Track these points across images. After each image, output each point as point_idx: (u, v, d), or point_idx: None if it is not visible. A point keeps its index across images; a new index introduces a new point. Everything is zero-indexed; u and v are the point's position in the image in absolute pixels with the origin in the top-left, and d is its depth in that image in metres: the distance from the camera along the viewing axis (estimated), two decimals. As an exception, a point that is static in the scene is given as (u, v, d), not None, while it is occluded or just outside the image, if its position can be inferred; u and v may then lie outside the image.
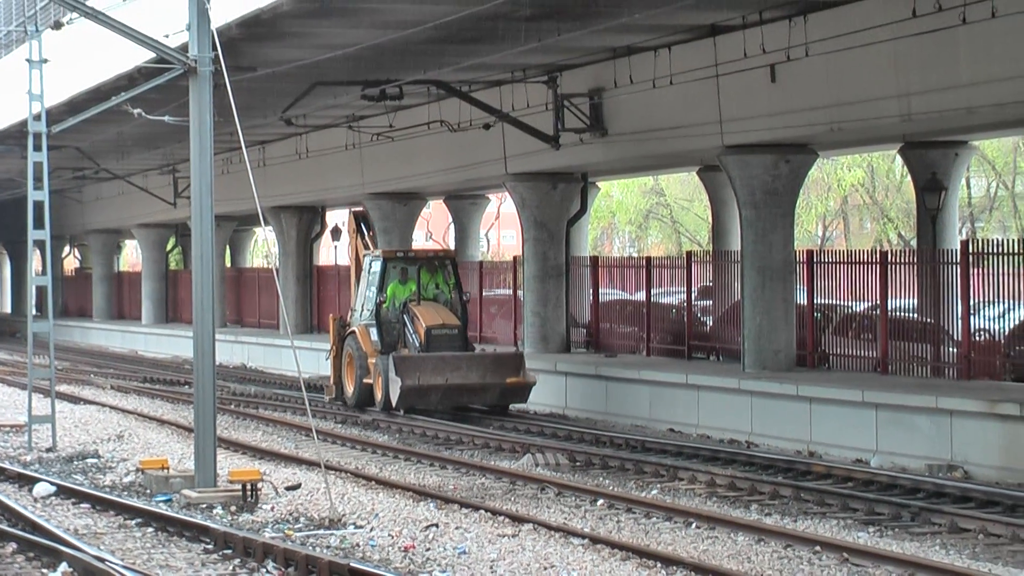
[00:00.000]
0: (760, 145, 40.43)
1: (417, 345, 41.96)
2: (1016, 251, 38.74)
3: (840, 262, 47.57)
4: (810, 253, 46.60)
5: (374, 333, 43.38)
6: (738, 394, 38.72)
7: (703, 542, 23.99)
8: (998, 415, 31.40)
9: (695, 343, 46.94)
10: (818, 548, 23.13)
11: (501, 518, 26.02)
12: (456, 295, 44.45)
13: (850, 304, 46.27)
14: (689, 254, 54.50)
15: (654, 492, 29.04)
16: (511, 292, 55.69)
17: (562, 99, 46.31)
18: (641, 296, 51.12)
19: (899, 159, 50.26)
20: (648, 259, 54.77)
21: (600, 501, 28.05)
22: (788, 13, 37.02)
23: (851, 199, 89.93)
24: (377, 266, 43.81)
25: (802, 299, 43.10)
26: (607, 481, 30.48)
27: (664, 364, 44.75)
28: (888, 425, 33.68)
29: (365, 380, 43.25)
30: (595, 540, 23.72)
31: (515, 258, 56.53)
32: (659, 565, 21.79)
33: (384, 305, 43.46)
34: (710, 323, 48.27)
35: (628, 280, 54.65)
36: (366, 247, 45.92)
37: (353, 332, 44.19)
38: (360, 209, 50.57)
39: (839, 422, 35.13)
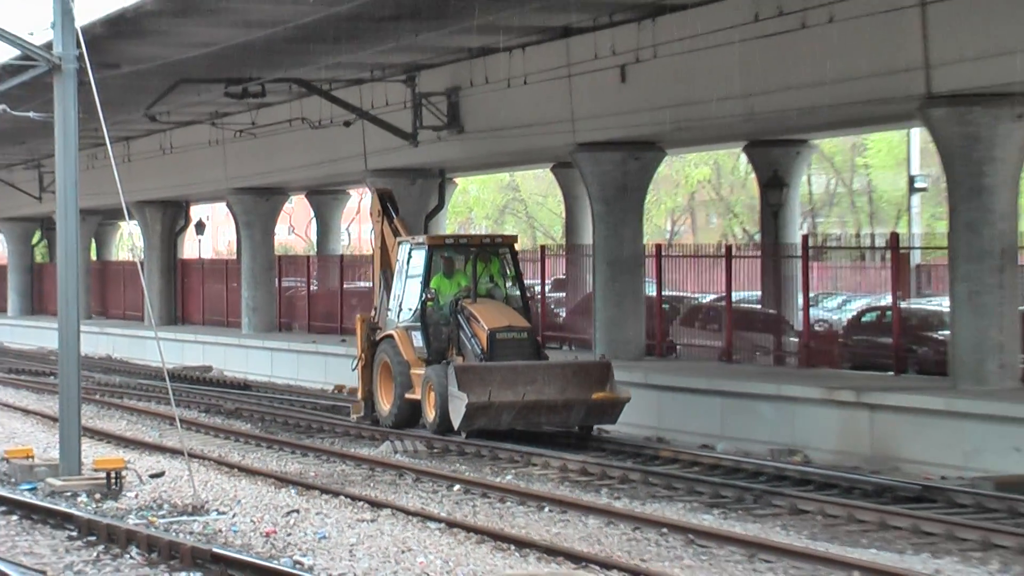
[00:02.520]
0: (611, 143, 40.62)
1: (478, 352, 32.50)
2: (853, 245, 39.24)
3: (687, 256, 48.01)
4: (659, 247, 46.88)
5: (417, 338, 33.74)
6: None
7: (555, 525, 24.02)
8: (836, 401, 31.76)
9: (549, 333, 47.17)
10: (665, 530, 23.19)
11: (360, 504, 25.93)
12: (518, 290, 34.96)
13: (697, 296, 46.69)
14: (543, 248, 54.86)
15: (508, 478, 29.08)
16: (371, 284, 55.67)
17: (420, 97, 46.36)
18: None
19: (743, 157, 50.56)
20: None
21: (456, 486, 28.03)
22: (638, 16, 37.23)
23: (698, 195, 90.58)
24: (420, 256, 34.02)
25: (651, 291, 43.36)
26: (463, 467, 30.48)
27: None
28: (732, 412, 33.95)
29: (408, 395, 33.77)
30: (451, 524, 23.69)
31: (374, 251, 56.52)
32: (513, 548, 21.79)
33: (431, 303, 33.86)
34: (563, 314, 48.45)
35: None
36: (395, 233, 35.98)
37: (390, 337, 34.45)
38: (385, 188, 39.90)
39: (686, 409, 35.34)
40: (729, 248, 45.18)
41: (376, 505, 25.70)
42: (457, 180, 59.00)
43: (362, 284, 57.14)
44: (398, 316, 34.57)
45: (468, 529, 23.26)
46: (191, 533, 23.08)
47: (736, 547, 21.92)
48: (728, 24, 34.23)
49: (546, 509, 25.56)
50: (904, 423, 29.35)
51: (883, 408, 29.98)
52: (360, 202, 74.63)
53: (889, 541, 22.62)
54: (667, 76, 37.20)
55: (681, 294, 48.02)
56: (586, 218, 48.90)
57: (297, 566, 20.54)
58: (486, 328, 32.24)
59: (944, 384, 31.84)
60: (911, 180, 59.54)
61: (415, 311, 33.70)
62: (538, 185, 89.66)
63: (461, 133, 45.82)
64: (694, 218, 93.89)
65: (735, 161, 78.59)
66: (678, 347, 42.22)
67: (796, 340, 38.98)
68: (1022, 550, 21.56)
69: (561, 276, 52.35)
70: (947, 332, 32.80)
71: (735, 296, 41.89)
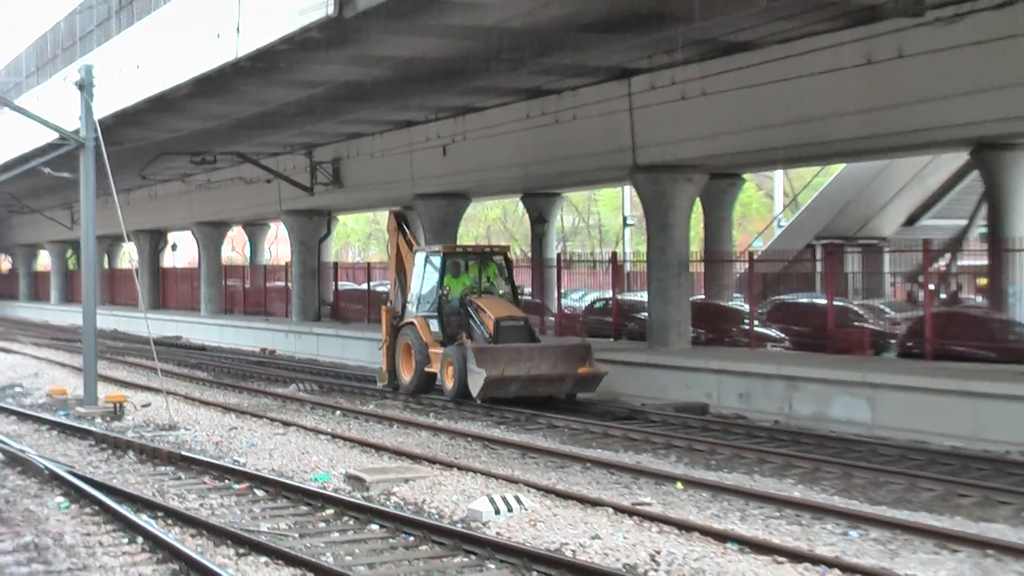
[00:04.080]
0: (437, 194, 40.69)
1: (487, 336, 29.02)
2: (589, 260, 39.57)
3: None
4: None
5: (434, 324, 30.24)
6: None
7: (400, 436, 24.09)
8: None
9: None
10: (470, 439, 23.41)
11: (276, 423, 25.91)
12: (510, 288, 31.30)
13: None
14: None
15: (371, 406, 29.04)
16: (285, 283, 55.41)
17: (315, 164, 46.29)
18: (365, 286, 51.35)
19: (521, 204, 50.89)
20: (368, 264, 55.00)
21: (338, 412, 28.03)
22: (454, 114, 37.38)
23: (492, 227, 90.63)
24: (437, 261, 30.45)
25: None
26: (342, 400, 30.39)
27: (379, 328, 44.67)
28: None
29: (427, 369, 30.28)
30: (335, 436, 23.72)
31: (287, 263, 56.23)
32: (373, 451, 21.87)
33: (446, 298, 30.27)
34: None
35: (358, 276, 54.78)
36: (409, 244, 32.36)
37: (411, 324, 30.63)
38: (398, 209, 35.92)
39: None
40: (512, 262, 45.42)
41: (286, 424, 25.63)
42: (339, 217, 58.82)
43: (279, 284, 56.85)
44: (416, 308, 30.77)
45: (344, 439, 23.29)
46: (168, 442, 22.93)
47: (514, 449, 22.11)
48: (511, 119, 34.46)
49: (395, 426, 25.64)
50: (621, 371, 29.56)
51: (614, 363, 30.13)
52: (277, 231, 73.68)
53: (609, 445, 22.82)
54: (473, 152, 37.34)
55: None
56: (421, 241, 48.85)
57: (235, 463, 20.51)
58: (492, 317, 28.90)
59: (644, 346, 32.16)
60: (624, 219, 60.30)
61: (433, 303, 30.10)
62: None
63: (342, 187, 45.74)
64: (490, 242, 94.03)
65: (516, 205, 78.93)
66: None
67: (553, 319, 39.24)
68: (689, 448, 21.94)
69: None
70: (646, 314, 33.13)
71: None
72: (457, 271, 30.43)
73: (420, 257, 30.90)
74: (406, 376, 30.78)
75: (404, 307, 31.39)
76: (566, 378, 28.04)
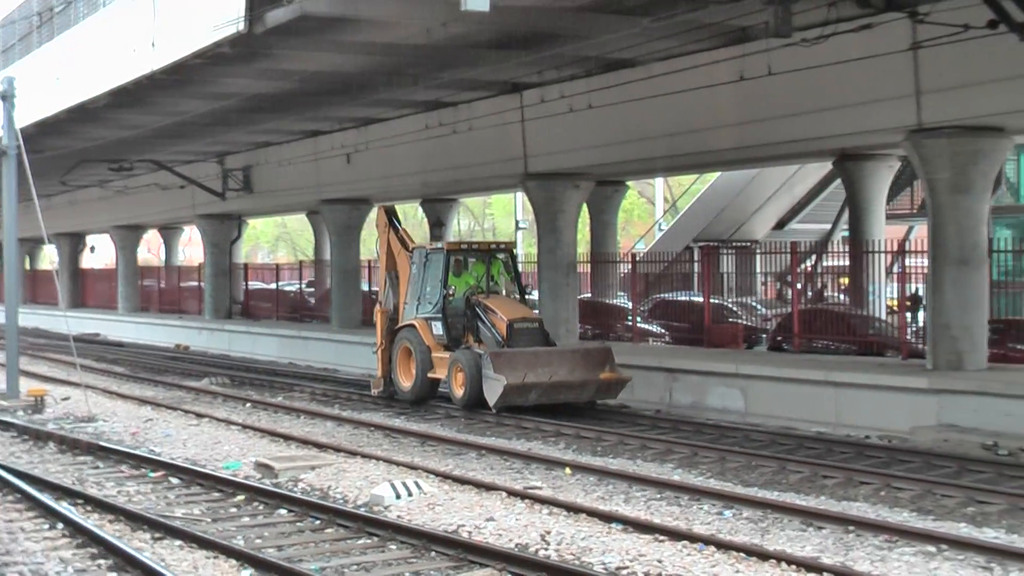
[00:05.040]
0: (342, 200, 40.52)
1: (499, 340, 25.06)
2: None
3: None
4: (370, 261, 46.71)
5: (437, 327, 26.17)
6: (330, 342, 38.71)
7: (307, 427, 23.96)
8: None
9: (304, 313, 46.91)
10: (373, 428, 23.35)
11: (190, 415, 25.62)
12: (516, 287, 27.06)
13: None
14: (301, 262, 54.53)
15: (279, 398, 28.84)
16: (198, 283, 54.88)
17: (227, 171, 45.88)
18: (273, 285, 51.10)
19: (420, 208, 50.78)
20: (277, 265, 54.65)
21: (248, 404, 27.76)
22: (357, 124, 37.24)
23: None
24: (439, 258, 26.36)
25: (366, 287, 43.38)
26: (252, 393, 30.13)
27: (288, 325, 44.52)
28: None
29: (430, 375, 26.25)
30: (245, 426, 23.51)
31: (200, 264, 55.68)
32: (281, 440, 21.74)
33: (449, 298, 26.26)
34: (313, 301, 48.29)
35: (267, 276, 54.43)
36: (401, 241, 28.08)
37: (411, 326, 26.53)
38: (389, 204, 30.00)
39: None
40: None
41: (200, 416, 25.35)
42: (250, 221, 58.40)
43: (192, 283, 56.27)
44: (416, 309, 26.69)
45: (255, 429, 23.09)
46: (87, 433, 22.61)
47: (414, 438, 22.06)
48: (411, 130, 34.37)
49: (302, 417, 25.48)
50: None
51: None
52: (191, 233, 72.86)
53: (502, 433, 22.75)
54: (375, 161, 37.20)
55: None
56: (327, 244, 48.69)
57: (151, 452, 20.29)
58: (505, 319, 25.10)
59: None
60: (516, 223, 60.35)
61: (436, 304, 26.14)
62: (299, 222, 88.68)
63: (252, 193, 45.38)
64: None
65: (416, 210, 78.69)
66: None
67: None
68: (577, 436, 21.91)
69: (311, 279, 52.26)
70: (538, 311, 33.19)
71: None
72: (459, 269, 26.73)
73: (419, 254, 27.05)
74: (405, 383, 26.92)
75: (397, 308, 27.68)
76: (588, 384, 24.58)
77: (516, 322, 25.10)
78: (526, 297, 27.34)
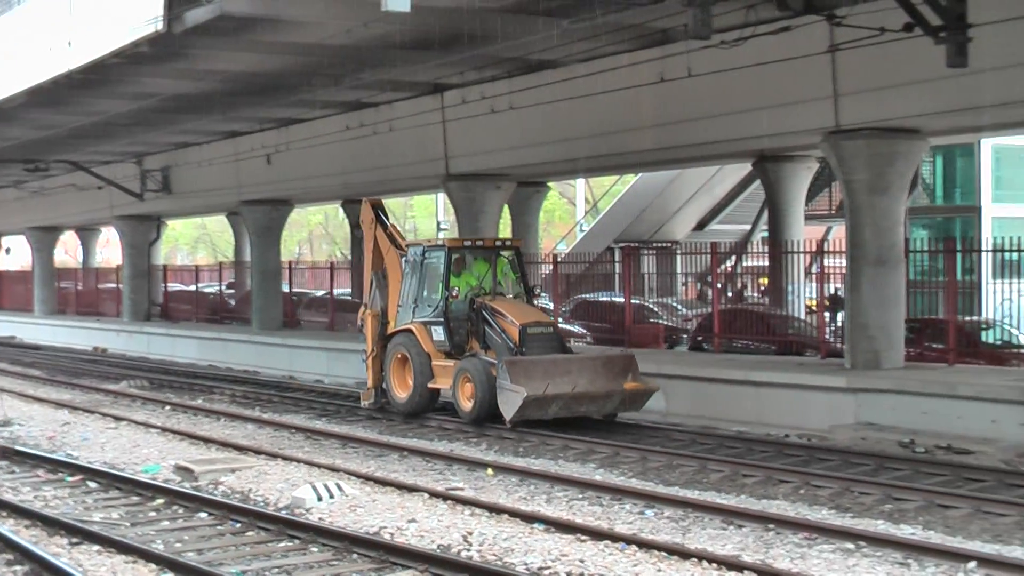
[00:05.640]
0: (261, 200, 40.31)
1: (511, 346, 22.37)
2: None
3: (308, 267, 47.76)
4: (291, 263, 46.72)
5: (437, 332, 23.63)
6: (251, 344, 38.50)
7: (228, 429, 23.79)
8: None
9: (224, 315, 46.58)
10: (294, 430, 23.23)
11: (108, 418, 25.30)
12: (522, 288, 24.44)
13: (314, 291, 46.58)
14: (220, 263, 54.17)
15: (199, 401, 28.61)
16: (116, 285, 54.29)
17: (145, 172, 45.49)
18: (193, 287, 50.73)
19: (341, 209, 50.61)
20: (197, 266, 54.28)
21: (167, 407, 27.47)
22: (278, 125, 37.04)
23: (315, 232, 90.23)
24: (439, 257, 23.92)
25: (287, 288, 43.20)
26: (172, 395, 29.87)
27: (208, 327, 44.16)
28: (334, 360, 33.84)
29: (430, 385, 23.77)
30: (164, 429, 23.29)
31: (118, 266, 55.11)
32: (202, 443, 21.57)
33: (452, 300, 23.63)
34: (234, 303, 47.98)
35: (186, 278, 54.02)
36: (390, 238, 25.34)
37: (407, 331, 24.07)
38: (375, 198, 26.96)
39: (308, 359, 35.19)
40: (333, 264, 45.22)
41: (118, 419, 25.06)
42: (168, 222, 57.88)
43: (111, 285, 55.65)
44: (413, 313, 24.19)
45: (174, 432, 22.88)
46: (2, 437, 22.27)
47: (335, 440, 21.98)
48: (332, 131, 34.23)
49: (222, 419, 25.26)
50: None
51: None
52: (108, 235, 72.12)
53: (424, 435, 22.70)
54: (296, 161, 37.02)
55: (304, 290, 48.00)
56: (247, 245, 48.41)
57: (69, 456, 20.04)
58: (517, 324, 22.47)
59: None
60: (438, 224, 60.39)
61: (437, 308, 23.64)
62: (219, 223, 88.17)
63: (171, 194, 45.02)
64: (312, 245, 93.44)
65: (337, 211, 78.62)
66: (302, 321, 42.02)
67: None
68: (499, 437, 21.90)
69: (231, 281, 51.93)
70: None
71: (336, 291, 41.93)
72: (459, 268, 24.13)
73: (415, 252, 24.59)
74: (400, 393, 24.46)
75: (385, 311, 25.24)
76: (612, 395, 22.15)
77: (529, 326, 22.61)
78: (534, 299, 24.92)
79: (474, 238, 26.74)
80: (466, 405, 22.70)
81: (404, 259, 24.91)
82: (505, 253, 24.64)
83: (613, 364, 22.46)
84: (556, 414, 21.73)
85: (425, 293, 24.25)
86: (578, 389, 21.63)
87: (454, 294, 23.61)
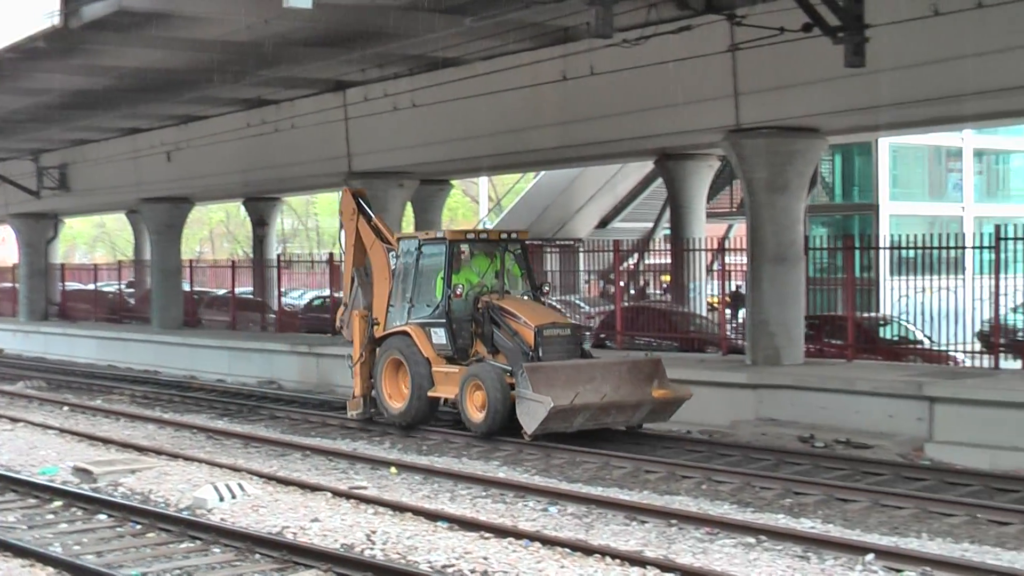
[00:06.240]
0: (162, 198, 39.97)
1: (525, 351, 20.03)
2: (307, 261, 39.46)
3: (209, 266, 47.36)
4: (191, 261, 46.34)
5: (438, 334, 21.15)
6: (151, 343, 38.15)
7: (128, 430, 23.50)
8: (296, 352, 31.75)
9: (124, 314, 46.09)
10: (195, 430, 22.99)
11: (4, 419, 24.83)
12: (528, 285, 21.97)
13: (215, 290, 46.17)
14: (120, 262, 53.52)
15: (98, 401, 28.24)
16: (12, 284, 53.48)
17: (42, 169, 44.83)
18: (92, 286, 50.16)
19: (243, 207, 50.23)
20: (96, 265, 53.64)
21: (66, 408, 27.08)
22: (178, 121, 36.72)
23: (216, 229, 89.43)
24: (438, 250, 21.43)
25: (187, 287, 42.79)
26: (70, 396, 29.47)
27: (107, 326, 43.64)
28: (236, 359, 33.70)
29: (430, 393, 21.24)
30: (62, 431, 22.92)
31: (14, 265, 54.27)
32: (101, 444, 21.26)
33: (454, 298, 21.08)
34: (133, 302, 47.48)
35: (85, 277, 53.39)
36: (375, 230, 22.64)
37: (402, 334, 21.55)
38: (357, 186, 25.37)
39: (209, 358, 34.90)
40: (234, 262, 44.94)
41: (14, 420, 24.65)
42: (66, 220, 57.02)
43: (7, 284, 54.69)
44: (408, 313, 21.71)
45: (73, 433, 22.54)
46: None
47: (237, 439, 21.81)
48: (233, 128, 33.98)
49: (122, 420, 24.95)
50: (335, 364, 29.47)
51: (325, 356, 30.15)
52: (3, 235, 70.95)
53: (327, 433, 22.57)
54: (196, 159, 36.69)
55: (205, 289, 47.55)
56: (147, 243, 47.90)
57: (-37, 458, 19.73)
58: (531, 325, 20.14)
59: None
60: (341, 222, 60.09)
61: (437, 308, 21.25)
62: (119, 221, 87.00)
63: (69, 192, 44.41)
64: (213, 244, 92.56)
65: (238, 209, 78.04)
66: (203, 320, 41.65)
67: (274, 316, 38.89)
68: (403, 435, 21.99)
69: (131, 280, 51.40)
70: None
71: (238, 290, 41.65)
72: (458, 264, 21.65)
73: (408, 246, 22.07)
74: (395, 403, 21.93)
75: (372, 311, 22.67)
76: (642, 404, 20.09)
77: (545, 328, 20.26)
78: (541, 296, 22.12)
79: (477, 230, 24.43)
80: (476, 416, 20.43)
81: (392, 254, 22.41)
82: (512, 247, 22.09)
83: (638, 369, 20.40)
84: (582, 426, 19.66)
85: (422, 291, 21.84)
86: (607, 399, 19.60)
87: (457, 292, 21.21)
